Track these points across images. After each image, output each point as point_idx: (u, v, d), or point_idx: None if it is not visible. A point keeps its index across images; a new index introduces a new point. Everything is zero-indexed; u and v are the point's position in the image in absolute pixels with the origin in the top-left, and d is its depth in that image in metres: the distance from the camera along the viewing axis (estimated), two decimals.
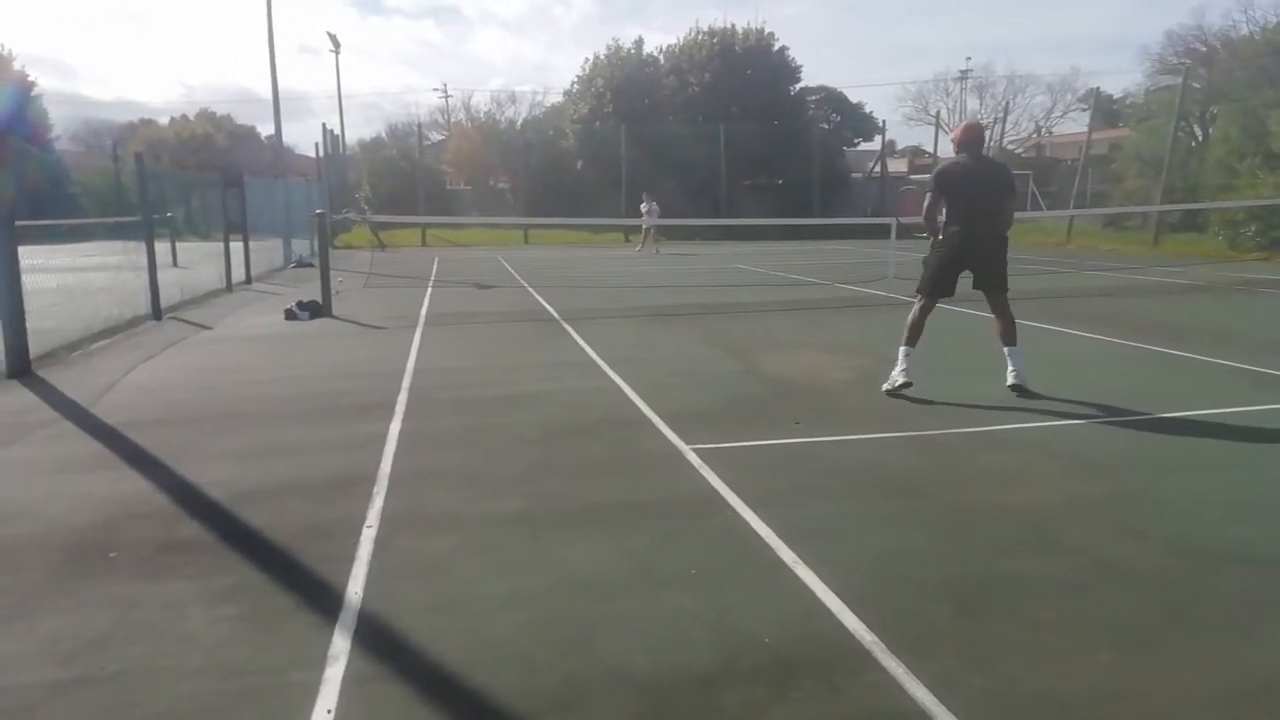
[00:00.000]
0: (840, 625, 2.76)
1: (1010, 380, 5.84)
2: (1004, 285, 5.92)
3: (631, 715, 2.31)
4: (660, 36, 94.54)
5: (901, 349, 5.94)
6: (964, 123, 6.44)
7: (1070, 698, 2.36)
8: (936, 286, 5.96)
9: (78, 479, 4.35)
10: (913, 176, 42.06)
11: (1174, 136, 23.89)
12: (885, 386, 5.97)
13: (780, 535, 3.48)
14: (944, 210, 5.93)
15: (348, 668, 2.55)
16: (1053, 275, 15.84)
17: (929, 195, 5.96)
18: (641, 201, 23.61)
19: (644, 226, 23.40)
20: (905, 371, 5.87)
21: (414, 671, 2.53)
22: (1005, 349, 5.91)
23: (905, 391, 5.86)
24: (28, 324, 7.06)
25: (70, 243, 14.90)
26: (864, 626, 2.73)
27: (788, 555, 3.29)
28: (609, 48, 37.36)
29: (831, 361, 7.34)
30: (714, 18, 56.76)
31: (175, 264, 15.25)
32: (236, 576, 3.18)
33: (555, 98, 45.09)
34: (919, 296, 6.04)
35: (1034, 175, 33.91)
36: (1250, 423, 5.21)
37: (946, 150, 45.83)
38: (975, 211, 5.80)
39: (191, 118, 51.27)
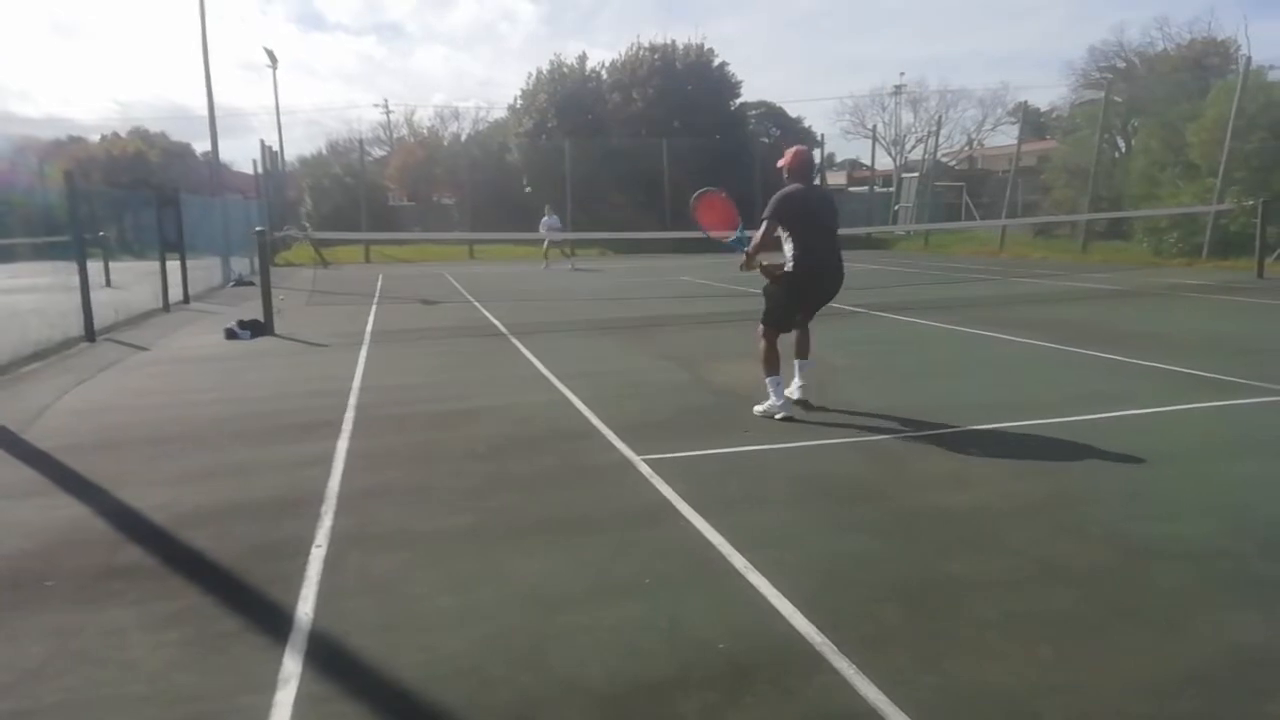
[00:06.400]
0: (792, 629, 2.81)
1: (796, 395, 5.76)
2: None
3: None
4: (605, 53, 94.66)
5: (767, 381, 5.60)
6: (794, 148, 5.76)
7: (1013, 692, 2.43)
8: (786, 320, 5.73)
9: (9, 506, 4.21)
10: (851, 189, 42.83)
11: (1098, 148, 24.76)
12: (758, 409, 5.65)
13: (732, 542, 3.52)
14: (786, 241, 5.58)
15: (299, 689, 2.51)
16: (987, 282, 16.27)
17: (765, 224, 5.53)
18: (544, 215, 23.34)
19: (545, 241, 23.36)
20: (783, 405, 5.55)
21: (368, 690, 2.50)
22: (798, 361, 5.86)
23: (779, 418, 5.50)
24: None
25: None
26: (815, 629, 2.78)
27: (739, 562, 3.34)
28: (551, 63, 37.41)
29: None
30: (655, 34, 57.20)
31: (109, 284, 14.80)
32: (181, 601, 3.11)
33: (499, 113, 44.92)
34: (763, 329, 5.69)
35: (967, 186, 34.81)
36: (1180, 422, 5.43)
37: (884, 162, 47.00)
38: (821, 242, 5.58)
39: (124, 135, 49.93)
